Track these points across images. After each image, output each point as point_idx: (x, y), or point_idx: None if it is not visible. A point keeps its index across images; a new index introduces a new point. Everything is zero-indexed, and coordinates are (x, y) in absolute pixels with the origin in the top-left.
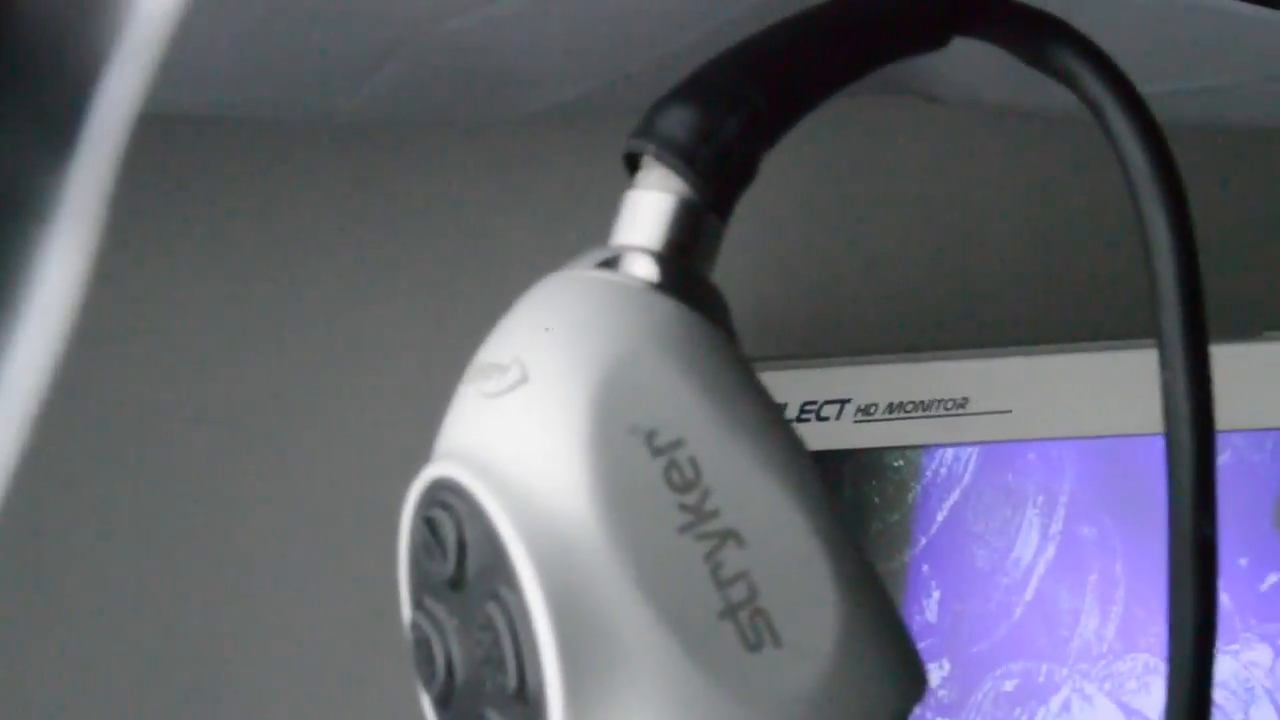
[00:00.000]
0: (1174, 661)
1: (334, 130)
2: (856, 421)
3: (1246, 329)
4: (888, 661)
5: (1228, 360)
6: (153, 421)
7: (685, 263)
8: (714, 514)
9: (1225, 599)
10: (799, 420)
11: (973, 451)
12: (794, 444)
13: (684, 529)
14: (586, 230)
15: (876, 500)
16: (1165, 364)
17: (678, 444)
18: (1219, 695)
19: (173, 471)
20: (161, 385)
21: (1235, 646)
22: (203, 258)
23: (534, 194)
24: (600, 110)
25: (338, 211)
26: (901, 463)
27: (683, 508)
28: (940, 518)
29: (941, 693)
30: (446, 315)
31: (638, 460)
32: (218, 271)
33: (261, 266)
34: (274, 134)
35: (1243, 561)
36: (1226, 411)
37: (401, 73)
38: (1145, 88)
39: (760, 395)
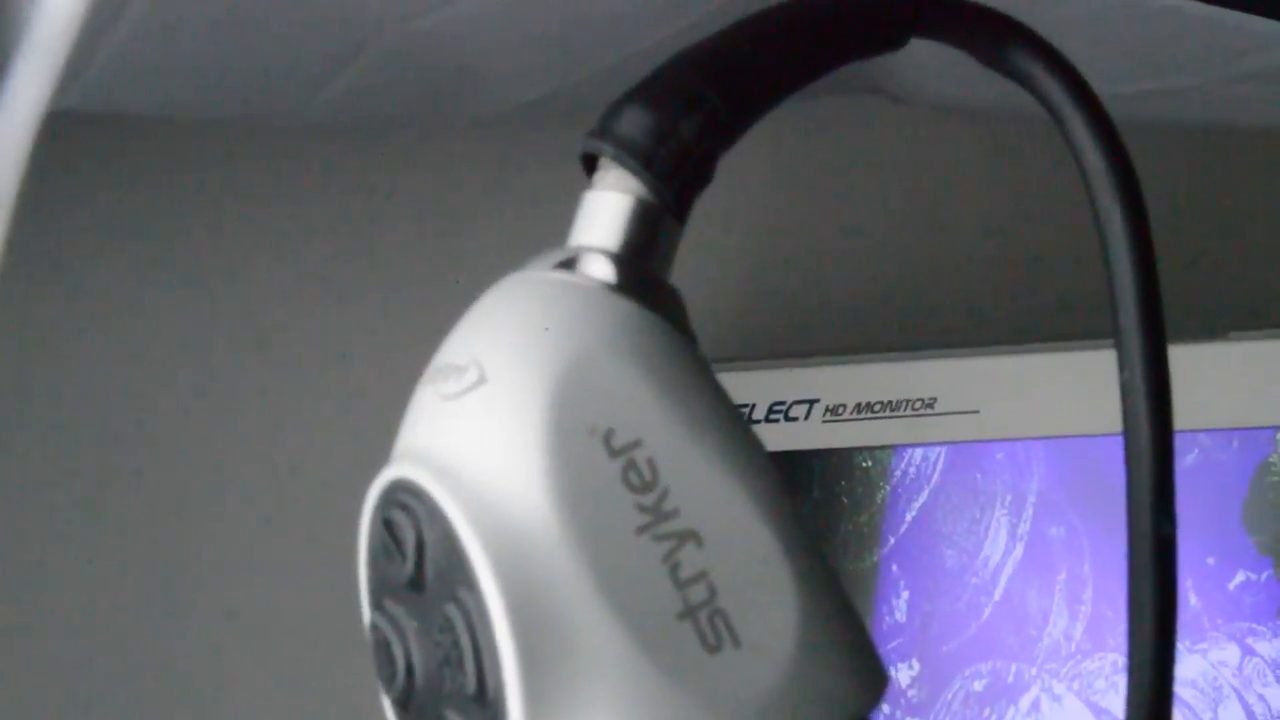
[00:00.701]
0: (1134, 661)
1: (299, 131)
2: (825, 422)
3: (1213, 329)
4: (848, 661)
5: (1195, 361)
6: (118, 423)
7: (642, 264)
8: (672, 514)
9: (1193, 598)
10: (767, 421)
11: (941, 451)
12: (753, 444)
13: (642, 530)
14: (554, 231)
15: (845, 501)
16: (1123, 365)
17: (635, 445)
18: (1188, 694)
19: (138, 476)
20: (129, 387)
21: (1203, 645)
22: (170, 258)
23: (501, 194)
24: (566, 110)
25: (304, 212)
26: (870, 463)
27: (641, 508)
28: (909, 518)
29: (911, 692)
30: (410, 316)
31: (595, 461)
32: (185, 271)
33: (226, 268)
34: (238, 135)
35: (1210, 560)
36: (1193, 411)
37: (367, 73)
38: (1105, 90)
39: (719, 396)
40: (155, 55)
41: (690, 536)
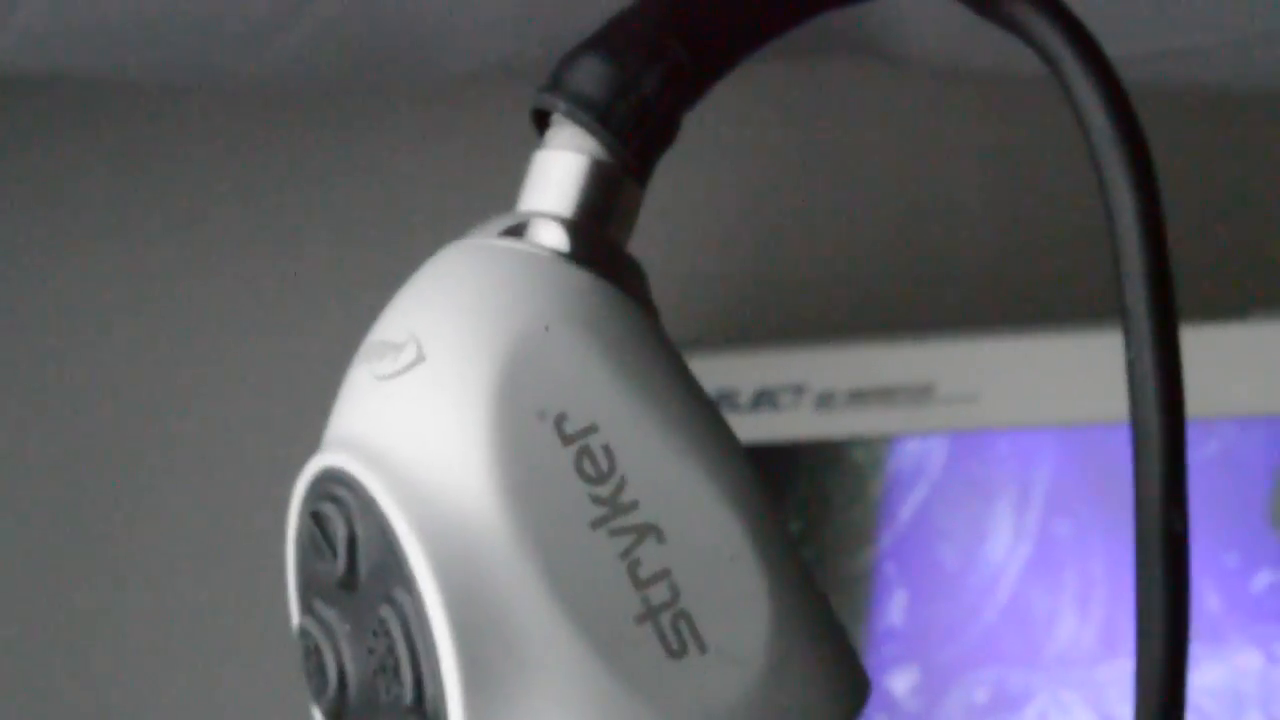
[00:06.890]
0: (1142, 668)
1: (244, 94)
2: (815, 410)
3: (1233, 309)
4: (825, 667)
5: (1215, 342)
6: (37, 400)
7: (599, 230)
8: (631, 507)
9: (1213, 599)
10: (752, 409)
11: (940, 441)
12: (721, 429)
13: (597, 523)
14: (501, 196)
15: (837, 495)
16: (1130, 344)
17: (590, 430)
18: (1206, 703)
19: (54, 460)
20: (46, 363)
21: (1224, 650)
22: (100, 227)
23: (441, 158)
24: (528, 73)
25: (240, 181)
26: (864, 454)
27: (596, 500)
28: (906, 514)
29: (908, 703)
30: (350, 289)
31: (545, 448)
32: (114, 239)
33: (156, 237)
34: (174, 98)
35: (1232, 560)
36: (1215, 397)
37: (312, 32)
38: (1114, 50)
39: (683, 376)
40: (86, 11)
41: (650, 531)
